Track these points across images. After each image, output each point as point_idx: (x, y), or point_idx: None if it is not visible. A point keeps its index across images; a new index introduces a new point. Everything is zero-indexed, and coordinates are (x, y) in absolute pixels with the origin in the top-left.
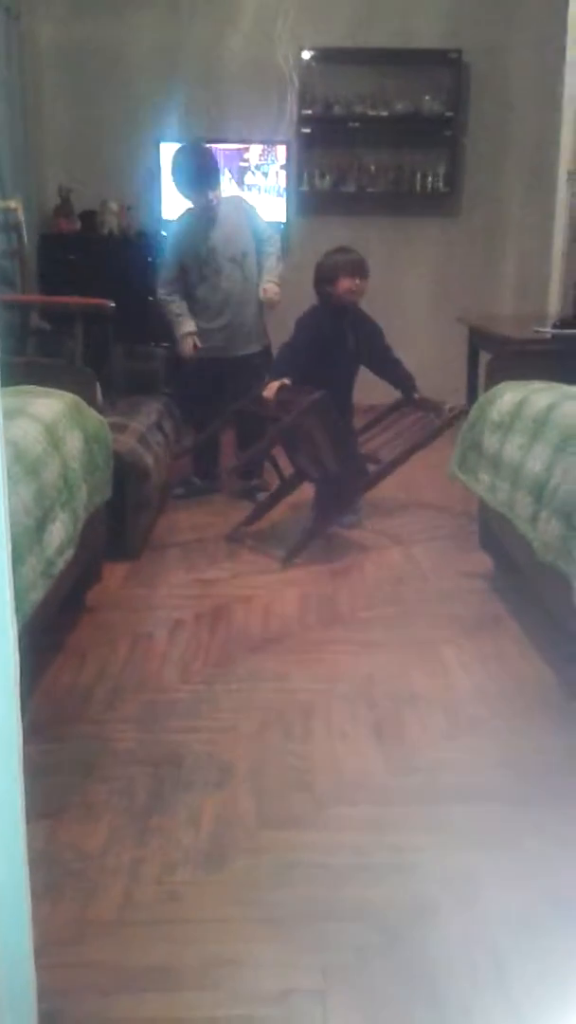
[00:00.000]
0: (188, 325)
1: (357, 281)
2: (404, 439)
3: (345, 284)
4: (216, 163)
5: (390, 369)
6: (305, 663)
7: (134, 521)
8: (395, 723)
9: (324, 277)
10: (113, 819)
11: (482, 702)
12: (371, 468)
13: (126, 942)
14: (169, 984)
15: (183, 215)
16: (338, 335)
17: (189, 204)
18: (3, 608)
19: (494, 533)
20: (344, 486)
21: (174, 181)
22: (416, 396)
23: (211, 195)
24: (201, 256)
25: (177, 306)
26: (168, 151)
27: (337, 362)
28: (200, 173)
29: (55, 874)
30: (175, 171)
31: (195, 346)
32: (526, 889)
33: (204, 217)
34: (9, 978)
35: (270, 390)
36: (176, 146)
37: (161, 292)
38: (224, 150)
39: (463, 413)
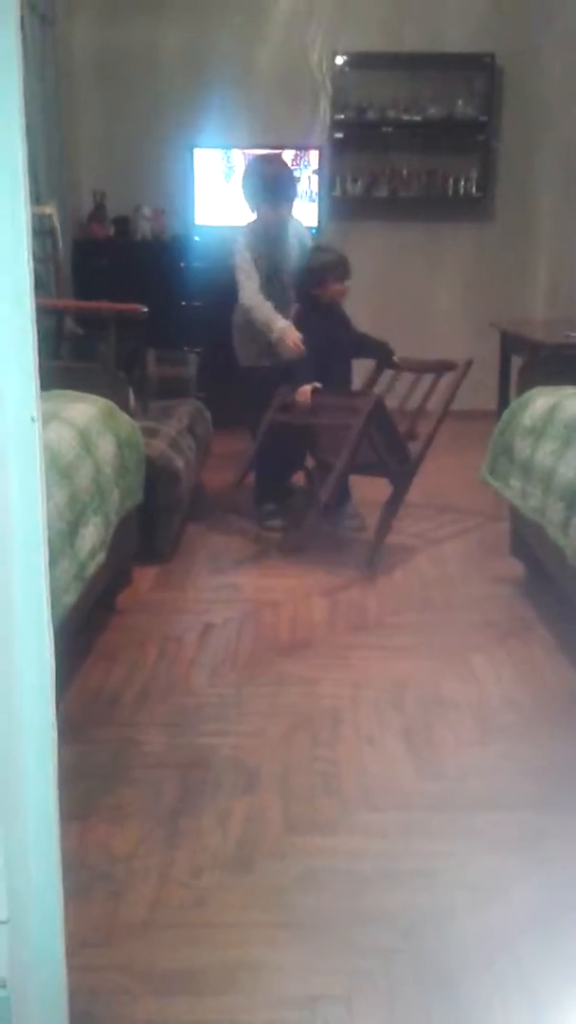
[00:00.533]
0: (282, 320)
1: (345, 282)
2: (428, 409)
3: (335, 287)
4: (294, 177)
5: (367, 346)
6: (333, 668)
7: (165, 525)
8: (423, 729)
9: (314, 280)
10: (142, 822)
11: (511, 709)
12: (411, 445)
13: (154, 945)
14: (195, 987)
15: (254, 225)
16: (332, 333)
17: (256, 215)
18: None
19: (525, 539)
20: (402, 476)
21: (251, 190)
22: (396, 359)
23: (287, 208)
24: (272, 268)
25: (269, 307)
26: (202, 156)
27: (338, 359)
28: (282, 185)
29: (85, 876)
30: (254, 181)
31: (299, 340)
32: (550, 895)
33: (277, 229)
34: (42, 980)
35: (304, 394)
36: (246, 155)
37: (249, 295)
38: (257, 155)
39: (469, 364)
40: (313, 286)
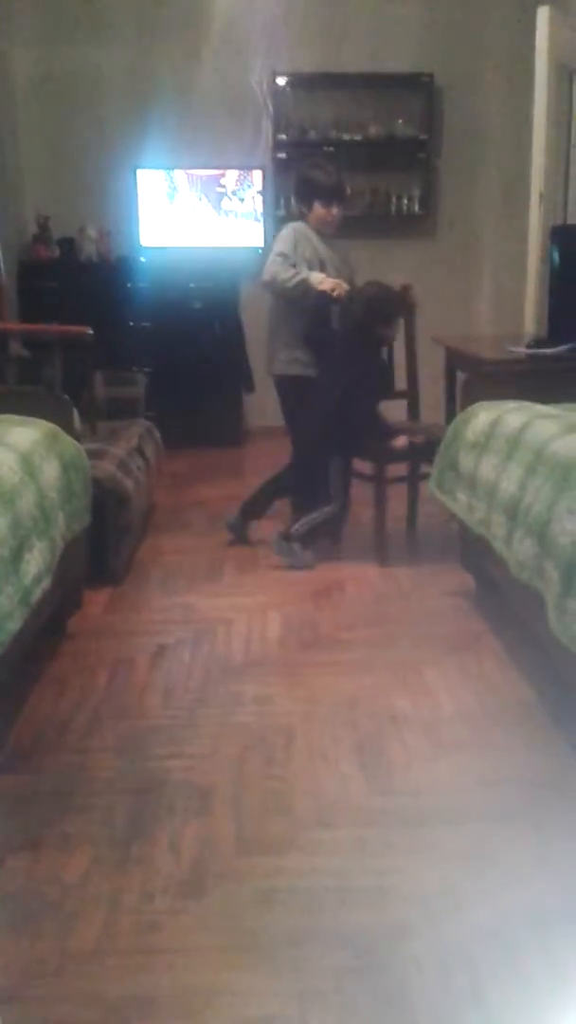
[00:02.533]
0: (316, 274)
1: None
2: None
3: (393, 330)
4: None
5: (365, 424)
6: (286, 686)
7: (115, 547)
8: (376, 744)
9: (385, 315)
10: (93, 849)
11: (464, 722)
12: None
13: (106, 973)
14: (149, 1013)
15: (296, 226)
16: (369, 378)
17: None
18: None
19: (473, 552)
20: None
21: (306, 192)
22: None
23: (339, 211)
24: (327, 269)
25: (294, 269)
26: (146, 177)
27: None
28: (339, 188)
29: (35, 906)
30: (310, 182)
31: (338, 283)
32: (504, 908)
33: (329, 230)
34: None
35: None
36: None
37: (275, 269)
38: (200, 175)
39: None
40: (380, 321)
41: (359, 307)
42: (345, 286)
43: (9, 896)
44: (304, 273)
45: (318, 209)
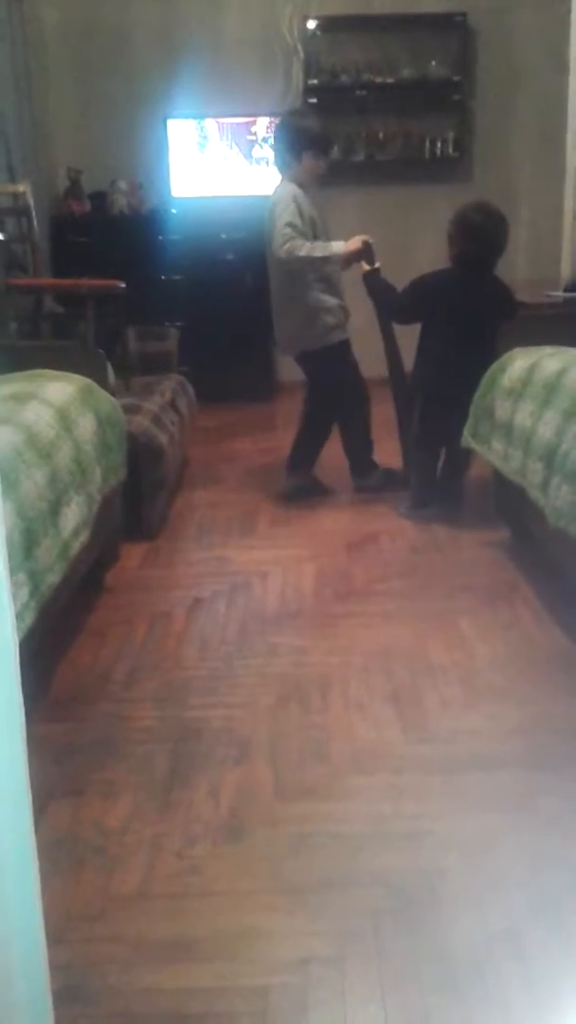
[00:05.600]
0: (337, 243)
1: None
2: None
3: None
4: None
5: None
6: (322, 637)
7: (151, 501)
8: (412, 693)
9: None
10: (134, 796)
11: (499, 670)
12: None
13: (147, 915)
14: (189, 955)
15: (291, 189)
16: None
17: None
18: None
19: (509, 501)
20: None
21: (297, 142)
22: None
23: (325, 164)
24: (318, 229)
25: (307, 240)
26: (176, 127)
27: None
28: (330, 138)
29: (79, 851)
30: (302, 131)
31: (363, 238)
32: (540, 853)
33: (305, 188)
34: (22, 952)
35: None
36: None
37: (286, 246)
38: (230, 124)
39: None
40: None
41: (500, 233)
42: (367, 238)
43: (53, 841)
44: (322, 243)
45: (308, 161)
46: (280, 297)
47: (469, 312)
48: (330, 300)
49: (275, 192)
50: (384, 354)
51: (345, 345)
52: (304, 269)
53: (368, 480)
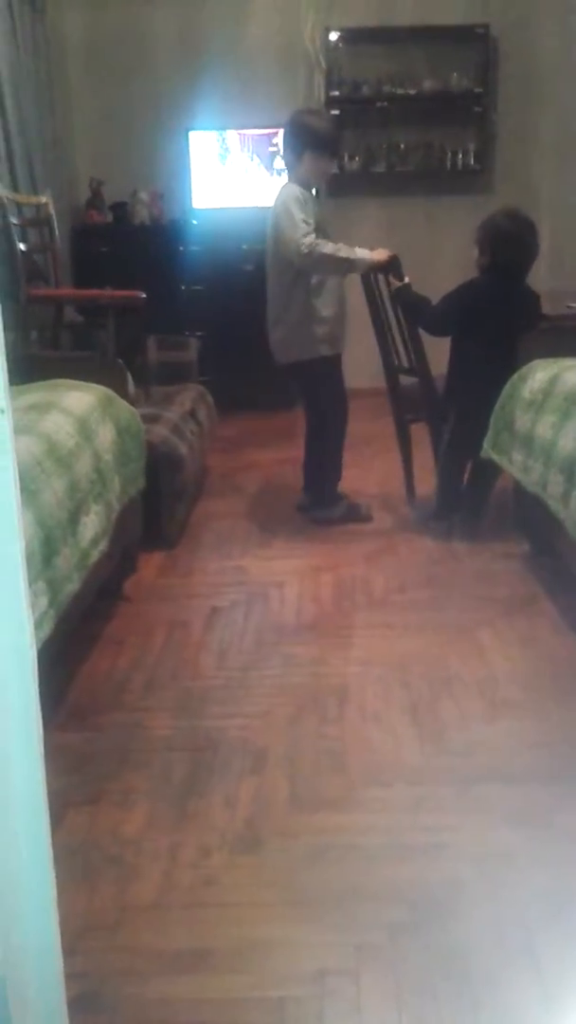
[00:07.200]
0: (362, 250)
1: None
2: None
3: None
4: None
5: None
6: (339, 647)
7: (170, 511)
8: (430, 705)
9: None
10: (151, 805)
11: (518, 684)
12: None
13: (163, 926)
14: (205, 966)
15: (296, 190)
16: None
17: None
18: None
19: (528, 513)
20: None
21: (297, 140)
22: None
23: (331, 166)
24: (321, 234)
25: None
26: (198, 139)
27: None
28: (336, 139)
29: (95, 860)
30: (304, 128)
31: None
32: (558, 868)
33: (321, 190)
34: (38, 962)
35: None
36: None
37: (308, 239)
38: (252, 135)
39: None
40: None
41: (532, 238)
42: (393, 253)
43: (70, 850)
44: (346, 246)
45: (309, 160)
46: (276, 303)
47: (505, 321)
48: (324, 311)
49: (279, 192)
50: (411, 365)
51: (333, 361)
52: (316, 271)
53: (329, 511)
